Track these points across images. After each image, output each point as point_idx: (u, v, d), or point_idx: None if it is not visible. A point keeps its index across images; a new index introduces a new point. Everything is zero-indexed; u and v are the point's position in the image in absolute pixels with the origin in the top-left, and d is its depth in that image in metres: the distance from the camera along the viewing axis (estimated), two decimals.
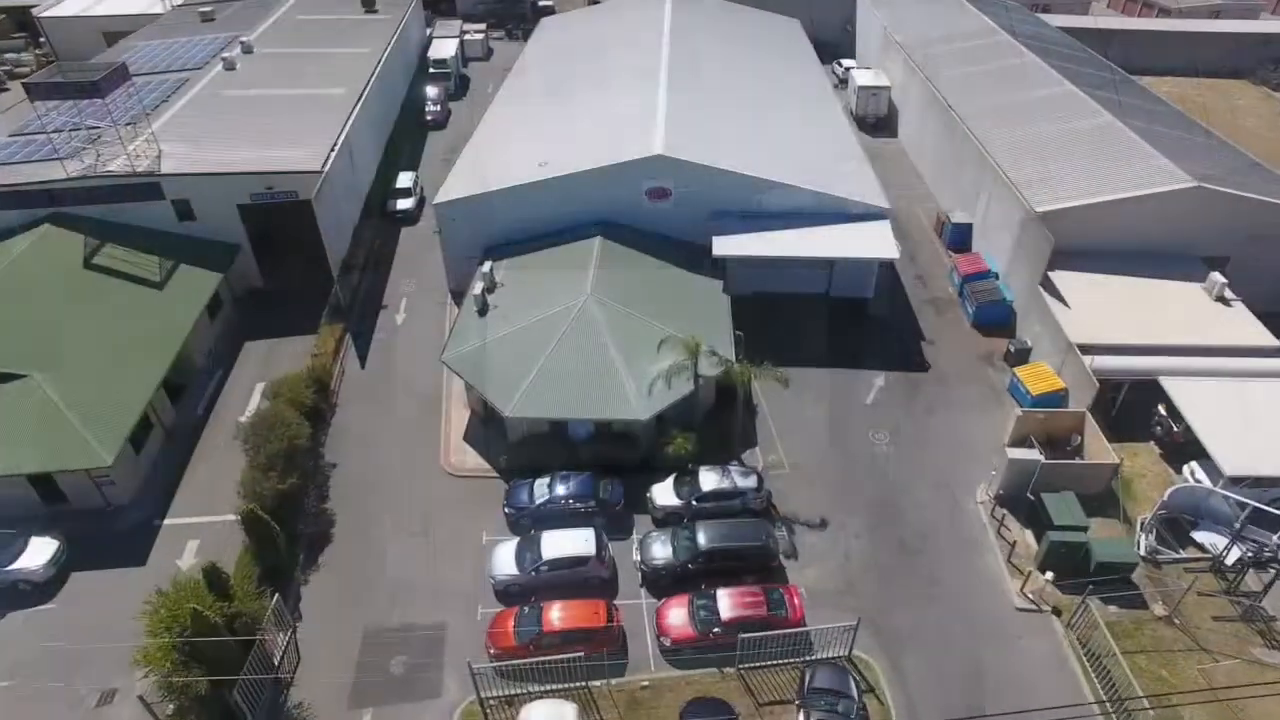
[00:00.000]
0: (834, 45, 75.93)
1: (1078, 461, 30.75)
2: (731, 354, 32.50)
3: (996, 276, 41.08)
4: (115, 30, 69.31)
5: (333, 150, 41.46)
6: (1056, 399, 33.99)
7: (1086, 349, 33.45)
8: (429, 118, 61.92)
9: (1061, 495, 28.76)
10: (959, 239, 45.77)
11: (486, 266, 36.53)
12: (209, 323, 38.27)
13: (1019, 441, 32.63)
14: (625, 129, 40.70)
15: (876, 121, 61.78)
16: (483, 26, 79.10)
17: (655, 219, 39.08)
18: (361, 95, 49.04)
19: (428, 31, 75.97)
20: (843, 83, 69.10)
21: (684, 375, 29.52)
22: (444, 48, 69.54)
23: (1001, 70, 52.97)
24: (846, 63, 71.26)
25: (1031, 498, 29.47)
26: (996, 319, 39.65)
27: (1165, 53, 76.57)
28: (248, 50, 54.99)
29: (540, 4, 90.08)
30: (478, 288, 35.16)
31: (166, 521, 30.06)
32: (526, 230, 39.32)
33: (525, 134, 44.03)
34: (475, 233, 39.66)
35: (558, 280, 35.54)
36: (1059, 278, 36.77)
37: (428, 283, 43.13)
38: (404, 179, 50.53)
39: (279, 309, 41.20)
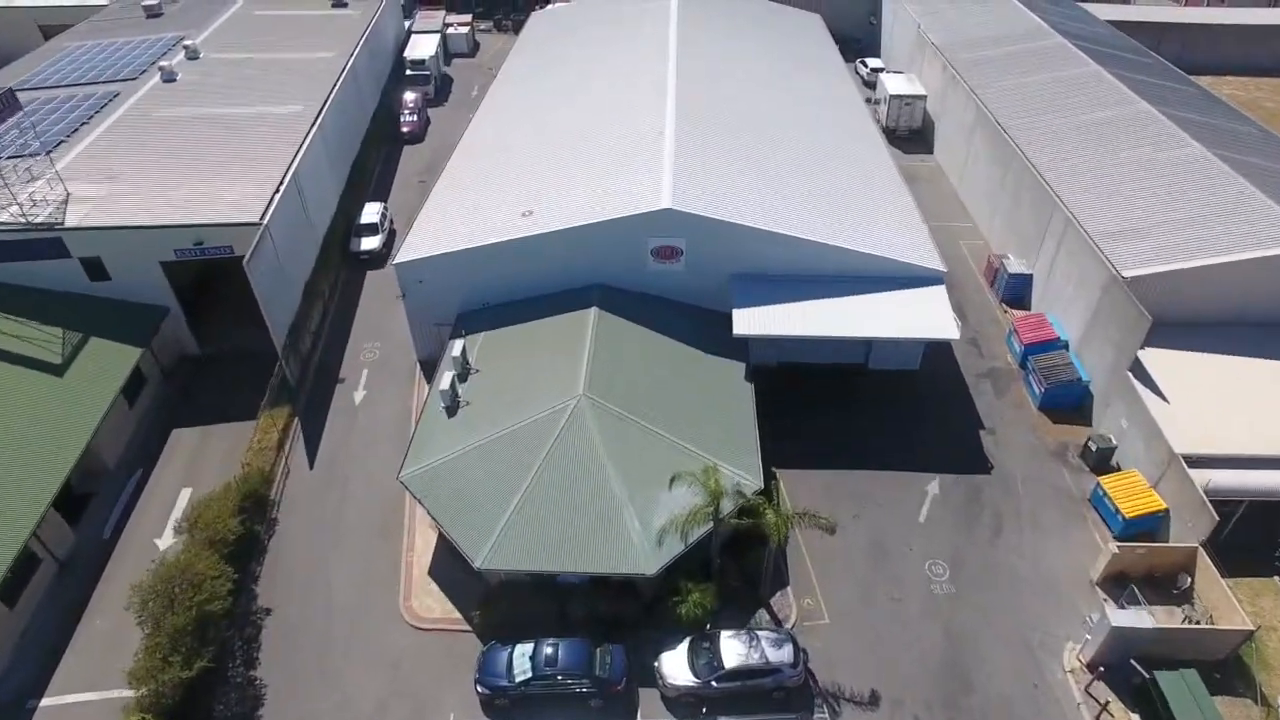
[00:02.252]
0: (856, 41, 68.67)
1: (1202, 627, 24.55)
2: (759, 474, 26.23)
3: (1066, 346, 34.64)
4: (54, 24, 61.68)
5: (277, 192, 34.66)
6: (1155, 522, 27.82)
7: (1196, 461, 27.20)
8: (404, 129, 54.79)
9: (1182, 676, 22.63)
10: (1016, 291, 39.17)
11: (457, 348, 30.00)
12: (126, 409, 31.89)
13: (1112, 579, 26.57)
14: (626, 168, 33.86)
15: (909, 134, 54.81)
16: (468, 18, 71.43)
17: (662, 282, 32.49)
18: (320, 115, 42.01)
19: (406, 25, 68.35)
20: (869, 85, 61.97)
21: (702, 521, 23.31)
22: (423, 45, 62.07)
23: (1060, 82, 45.85)
24: (873, 63, 63.91)
25: (1139, 670, 23.38)
26: (1069, 401, 33.31)
27: (1223, 49, 69.21)
28: (193, 55, 47.77)
29: None
30: (446, 379, 28.70)
31: (45, 702, 23.79)
32: (508, 292, 32.79)
33: (507, 169, 37.09)
34: (446, 296, 33.08)
35: (544, 368, 29.10)
36: (1153, 358, 30.29)
37: (394, 345, 36.59)
38: (370, 212, 43.67)
39: (218, 381, 34.81)
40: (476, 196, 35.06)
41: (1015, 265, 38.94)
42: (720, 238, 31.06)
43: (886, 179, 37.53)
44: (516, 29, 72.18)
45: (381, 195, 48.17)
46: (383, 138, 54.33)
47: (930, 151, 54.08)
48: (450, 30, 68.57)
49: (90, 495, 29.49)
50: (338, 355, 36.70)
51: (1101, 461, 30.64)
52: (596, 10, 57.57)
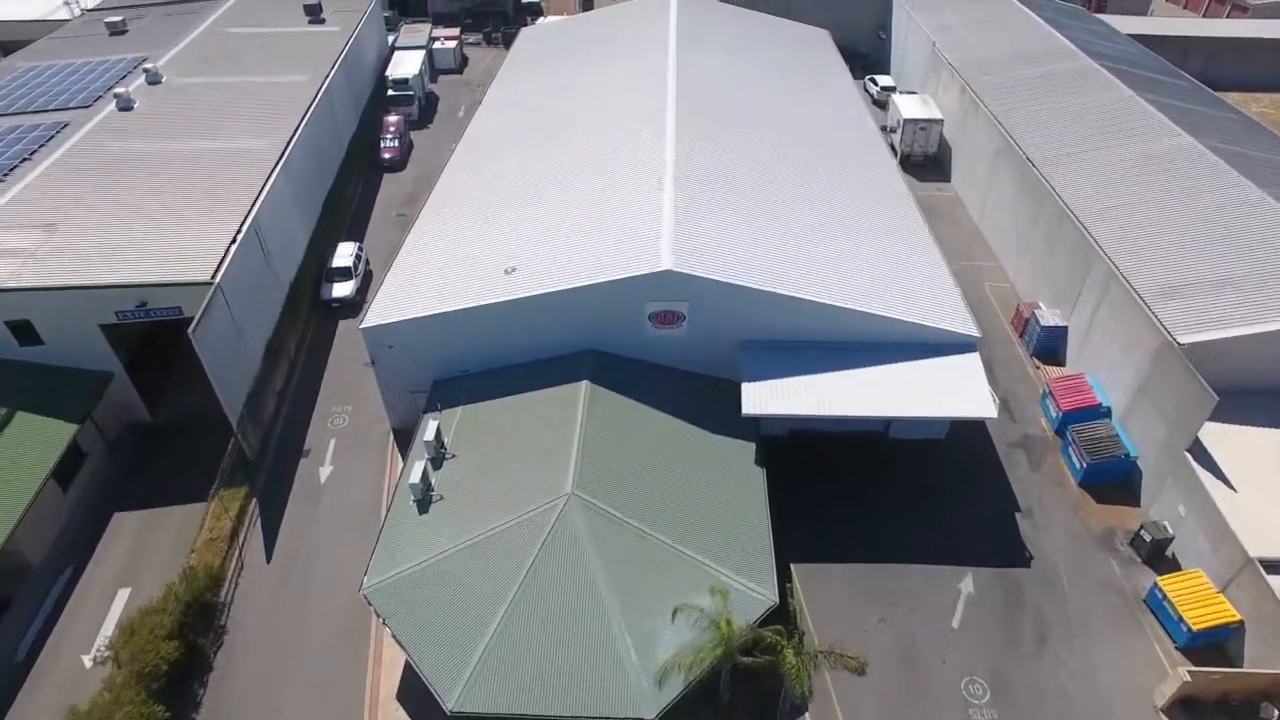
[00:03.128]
0: (864, 55, 65.22)
1: None
2: (773, 585, 22.82)
3: (1109, 413, 31.27)
4: (11, 40, 58.33)
5: (234, 243, 31.10)
6: (1226, 634, 24.49)
7: (1276, 566, 23.86)
8: (385, 156, 51.22)
9: None
10: (1049, 345, 35.76)
11: (430, 429, 26.49)
12: (59, 494, 28.37)
13: (1180, 704, 23.22)
14: (621, 218, 30.35)
15: (924, 160, 51.39)
16: (456, 31, 67.82)
17: (662, 348, 28.99)
18: (287, 149, 38.40)
19: (390, 40, 64.73)
20: (879, 105, 58.53)
21: (710, 659, 19.89)
22: (407, 63, 58.46)
23: (1091, 110, 42.39)
24: (883, 81, 60.47)
25: None
26: (1114, 477, 29.95)
27: (1252, 64, 65.82)
28: (153, 80, 44.19)
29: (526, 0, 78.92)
30: (417, 470, 25.18)
31: None
32: (490, 359, 29.28)
33: (489, 213, 33.56)
34: (420, 363, 29.59)
35: (528, 455, 25.60)
36: (1216, 436, 26.85)
37: (365, 410, 33.04)
38: (343, 254, 40.08)
39: (171, 452, 31.31)
40: (454, 246, 31.48)
41: (1049, 317, 35.51)
42: (727, 302, 27.58)
43: (908, 226, 33.97)
44: (507, 43, 68.80)
45: (357, 233, 44.58)
46: (361, 165, 50.75)
47: (947, 179, 50.64)
48: (437, 45, 65.01)
49: (7, 601, 25.97)
50: (303, 422, 33.16)
51: (1156, 553, 27.26)
52: (590, 28, 54.10)
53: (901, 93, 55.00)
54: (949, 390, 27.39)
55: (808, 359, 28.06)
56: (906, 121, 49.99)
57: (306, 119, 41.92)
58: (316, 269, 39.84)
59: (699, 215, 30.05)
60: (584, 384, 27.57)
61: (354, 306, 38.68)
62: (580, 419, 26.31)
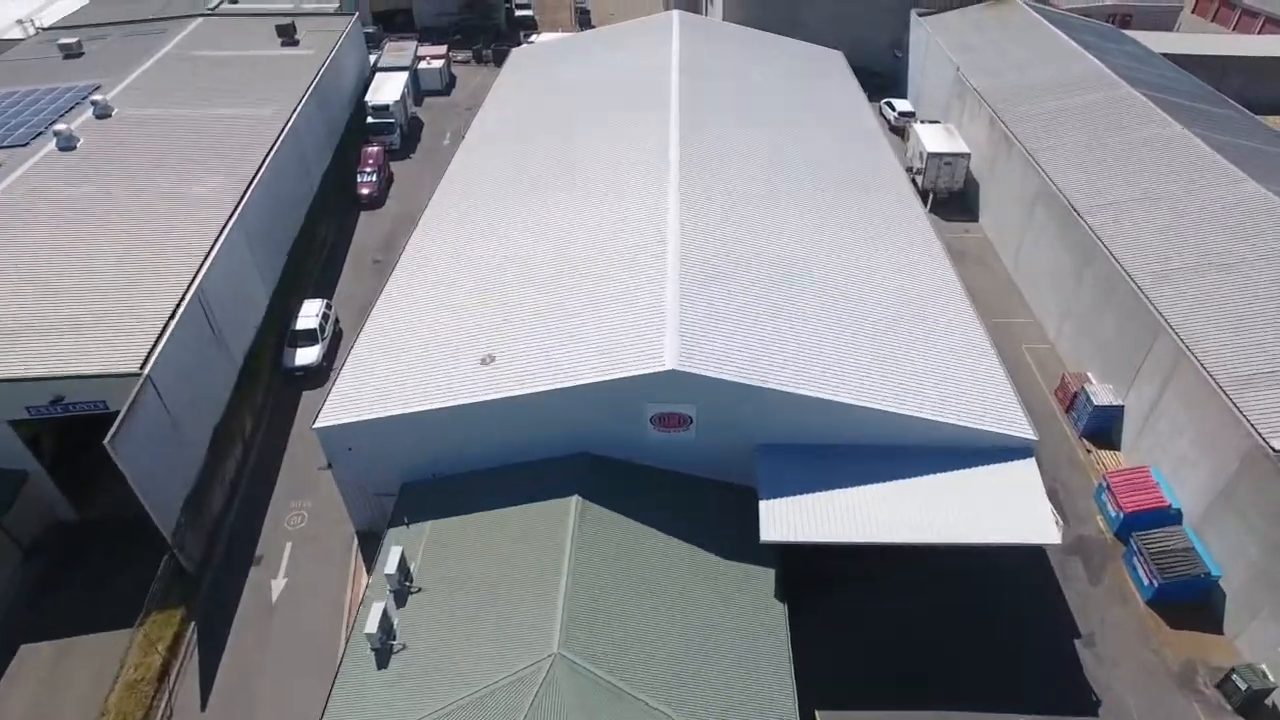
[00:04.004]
0: (877, 75, 61.02)
1: None
2: None
3: (1178, 515, 27.24)
4: None
5: (173, 318, 26.95)
6: None
7: None
8: (363, 191, 47.08)
9: None
10: (1102, 426, 31.68)
11: (393, 560, 22.36)
12: None
13: None
14: (617, 296, 26.22)
15: (949, 196, 47.28)
16: (443, 49, 63.57)
17: (666, 452, 24.89)
18: (244, 198, 34.22)
19: (372, 59, 60.47)
20: (896, 131, 54.45)
21: None
22: (388, 88, 54.18)
23: (1139, 148, 38.22)
24: (900, 105, 56.32)
25: None
26: (1189, 596, 25.92)
27: None
28: (102, 113, 39.96)
29: (519, 13, 74.91)
30: (374, 615, 21.07)
31: None
32: (466, 460, 25.21)
33: (465, 282, 29.31)
34: (385, 465, 25.45)
35: (507, 595, 21.44)
36: None
37: (327, 505, 28.78)
38: (308, 313, 35.81)
39: (97, 557, 27.19)
40: (426, 322, 27.28)
41: (1101, 395, 31.38)
42: (741, 403, 23.44)
43: (946, 299, 29.78)
44: (498, 60, 64.83)
45: (327, 284, 40.43)
46: (335, 203, 46.53)
47: (975, 218, 46.50)
48: (422, 65, 60.77)
49: None
50: (256, 519, 29.00)
51: (1251, 704, 23.20)
52: (584, 53, 49.84)
53: (923, 122, 50.85)
54: (1002, 509, 23.24)
55: (834, 467, 23.92)
56: (930, 156, 45.84)
57: (270, 159, 37.70)
58: (279, 330, 35.72)
59: (707, 295, 25.81)
60: (574, 500, 23.44)
61: (320, 374, 34.61)
62: (569, 546, 22.21)
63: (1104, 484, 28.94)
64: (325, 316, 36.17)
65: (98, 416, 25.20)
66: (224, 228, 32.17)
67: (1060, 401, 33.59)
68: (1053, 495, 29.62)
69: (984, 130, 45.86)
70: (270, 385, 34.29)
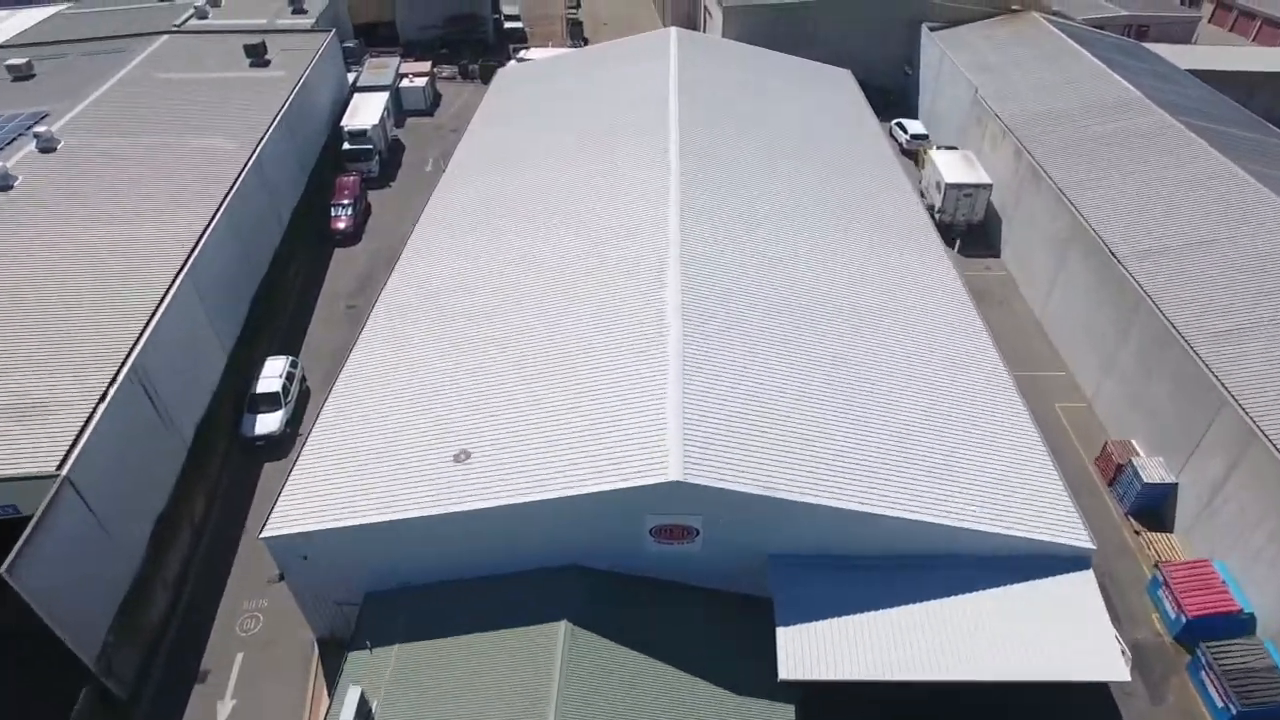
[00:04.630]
0: (887, 92, 57.75)
1: None
2: None
3: (1251, 622, 24.05)
4: None
5: (102, 401, 23.63)
6: None
7: None
8: (338, 226, 43.65)
9: None
10: (1151, 504, 28.50)
11: (349, 705, 19.09)
12: None
13: None
14: (609, 386, 22.76)
15: (968, 228, 44.04)
16: (427, 66, 60.08)
17: (666, 565, 21.56)
18: (196, 249, 30.80)
19: (351, 78, 56.97)
20: (908, 154, 51.26)
21: None
22: (366, 111, 50.68)
23: (1183, 186, 34.87)
24: (913, 127, 53.06)
25: None
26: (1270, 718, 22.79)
27: None
28: (46, 146, 36.42)
29: (508, 25, 71.52)
30: None
31: None
32: (437, 572, 21.93)
33: (434, 362, 25.85)
34: (346, 577, 22.14)
35: None
36: None
37: (285, 607, 25.24)
38: (270, 374, 32.34)
39: (8, 679, 23.82)
40: (392, 404, 23.86)
41: (1152, 470, 28.16)
42: (754, 513, 20.19)
43: (978, 370, 26.40)
44: (484, 77, 61.51)
45: (294, 337, 36.94)
46: (306, 240, 43.07)
47: (996, 253, 43.27)
48: (405, 83, 57.31)
49: None
50: (204, 625, 25.54)
51: None
52: (575, 74, 46.41)
53: (939, 148, 47.59)
54: (1059, 636, 20.00)
55: (861, 583, 20.65)
56: (949, 187, 42.56)
57: (231, 198, 34.28)
58: (238, 392, 32.33)
59: (715, 380, 22.46)
60: (562, 626, 20.17)
61: (283, 443, 31.27)
62: (557, 683, 18.93)
63: (1160, 578, 25.70)
64: (290, 376, 32.76)
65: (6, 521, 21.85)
66: (173, 283, 28.73)
67: (1102, 473, 30.37)
68: (1099, 586, 26.56)
69: (1008, 160, 42.60)
70: (227, 456, 30.92)
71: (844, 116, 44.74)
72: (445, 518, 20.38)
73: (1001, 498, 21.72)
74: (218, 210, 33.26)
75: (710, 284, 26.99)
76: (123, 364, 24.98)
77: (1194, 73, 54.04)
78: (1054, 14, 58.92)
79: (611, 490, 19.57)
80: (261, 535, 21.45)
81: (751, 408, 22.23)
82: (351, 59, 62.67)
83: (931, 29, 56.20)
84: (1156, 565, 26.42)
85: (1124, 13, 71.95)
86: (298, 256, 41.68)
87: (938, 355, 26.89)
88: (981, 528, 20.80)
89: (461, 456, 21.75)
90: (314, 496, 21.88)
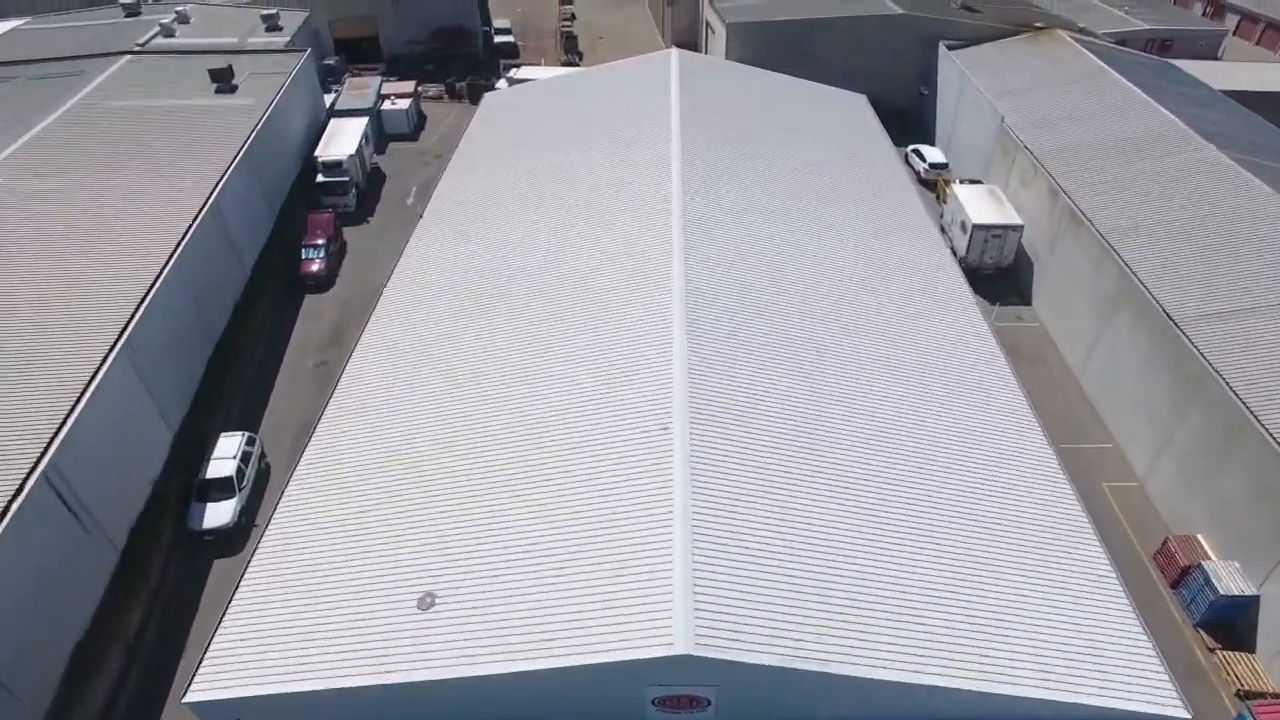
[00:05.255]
0: (901, 112, 54.14)
1: None
2: None
3: None
4: None
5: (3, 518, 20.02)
6: None
7: None
8: (310, 269, 39.91)
9: None
10: (1228, 617, 24.91)
11: None
12: None
13: None
14: (602, 513, 19.10)
15: (995, 272, 40.47)
16: (410, 86, 56.34)
17: None
18: (135, 316, 27.07)
19: (328, 100, 53.20)
20: (926, 184, 47.71)
21: None
22: (343, 138, 46.90)
23: (1247, 240, 31.30)
24: (932, 156, 49.40)
25: None
26: None
27: None
28: None
29: (498, 39, 67.90)
30: None
31: None
32: None
33: (398, 475, 22.05)
34: None
35: None
36: None
37: None
38: (222, 456, 28.34)
39: None
40: (346, 531, 20.20)
41: (1227, 580, 24.51)
42: (779, 685, 16.58)
43: (1034, 479, 22.72)
44: (473, 96, 57.76)
45: (254, 404, 33.02)
46: (274, 286, 39.29)
47: (1026, 300, 39.67)
48: (386, 106, 53.57)
49: None
50: None
51: None
52: (568, 102, 42.68)
53: (962, 181, 44.01)
54: None
55: None
56: (976, 228, 38.93)
57: (181, 251, 30.61)
58: (186, 476, 28.66)
59: (726, 527, 18.55)
60: None
61: (237, 535, 27.63)
62: None
63: (1247, 716, 22.20)
64: (247, 456, 29.02)
65: None
66: (102, 364, 25.00)
67: (1162, 571, 26.81)
68: None
69: (1041, 199, 39.01)
70: (171, 553, 27.26)
71: (862, 152, 40.94)
72: (409, 687, 16.78)
73: (1071, 656, 18.07)
74: (164, 267, 29.56)
75: (720, 397, 22.94)
76: (31, 470, 21.29)
77: (1229, 94, 50.63)
78: (1079, 31, 55.45)
79: (606, 663, 15.95)
80: (186, 699, 17.79)
81: (771, 556, 18.42)
82: (332, 77, 59.06)
83: (949, 47, 52.61)
84: (1241, 696, 22.92)
85: (1146, 26, 68.56)
86: (263, 306, 37.93)
87: (981, 454, 23.24)
88: (1049, 695, 17.19)
89: (427, 601, 18.12)
90: (251, 650, 18.20)
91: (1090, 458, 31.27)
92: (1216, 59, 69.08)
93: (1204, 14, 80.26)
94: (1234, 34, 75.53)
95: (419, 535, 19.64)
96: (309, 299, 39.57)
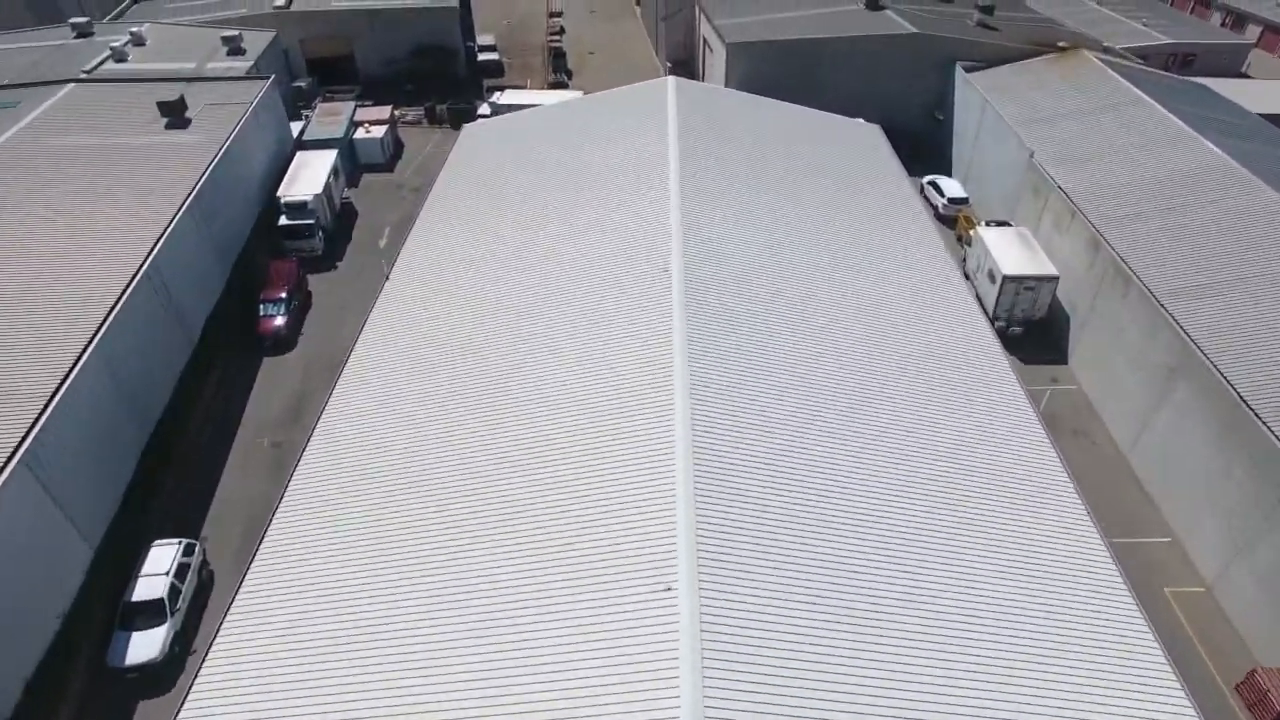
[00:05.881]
0: (913, 135, 50.29)
1: None
2: None
3: None
4: None
5: None
6: None
7: None
8: (269, 328, 35.82)
9: None
10: None
11: None
12: None
13: None
14: (600, 661, 15.61)
15: (1026, 325, 36.75)
16: (387, 111, 52.27)
17: None
18: (38, 423, 23.12)
19: (297, 129, 49.04)
20: (944, 221, 44.03)
21: None
22: (309, 174, 42.67)
23: None
24: (950, 190, 45.52)
25: None
26: None
27: None
28: None
29: (482, 56, 64.01)
30: None
31: None
32: None
33: (362, 602, 18.56)
34: None
35: None
36: None
37: None
38: (151, 572, 24.25)
39: None
40: (303, 665, 16.42)
41: None
42: None
43: (1096, 596, 19.13)
44: (454, 122, 53.90)
45: (194, 504, 28.73)
46: (226, 350, 35.21)
47: (1062, 356, 35.94)
48: (360, 134, 49.49)
49: None
50: None
51: None
52: (552, 140, 38.50)
53: (988, 223, 40.20)
54: None
55: None
56: (1007, 279, 35.19)
57: (106, 329, 26.60)
58: (110, 599, 24.69)
59: (744, 652, 15.08)
60: None
61: (170, 669, 23.66)
62: None
63: None
64: (184, 569, 25.03)
65: None
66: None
67: (1250, 709, 23.14)
68: None
69: (1079, 247, 35.24)
70: (88, 691, 23.30)
71: (879, 195, 36.89)
72: None
73: None
74: (84, 351, 25.56)
75: (731, 496, 19.39)
76: None
77: (1269, 118, 47.05)
78: (1104, 50, 51.80)
79: None
80: None
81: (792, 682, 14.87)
82: (302, 101, 54.98)
83: (967, 69, 48.91)
84: None
85: (1168, 40, 64.91)
86: (214, 375, 33.90)
87: (1027, 553, 19.64)
88: None
89: None
90: None
91: (1147, 555, 27.56)
92: (1242, 74, 65.64)
93: (1223, 24, 76.77)
94: (1256, 44, 71.97)
95: (388, 669, 15.80)
96: (268, 362, 35.52)
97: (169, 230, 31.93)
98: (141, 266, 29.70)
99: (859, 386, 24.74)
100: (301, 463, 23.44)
